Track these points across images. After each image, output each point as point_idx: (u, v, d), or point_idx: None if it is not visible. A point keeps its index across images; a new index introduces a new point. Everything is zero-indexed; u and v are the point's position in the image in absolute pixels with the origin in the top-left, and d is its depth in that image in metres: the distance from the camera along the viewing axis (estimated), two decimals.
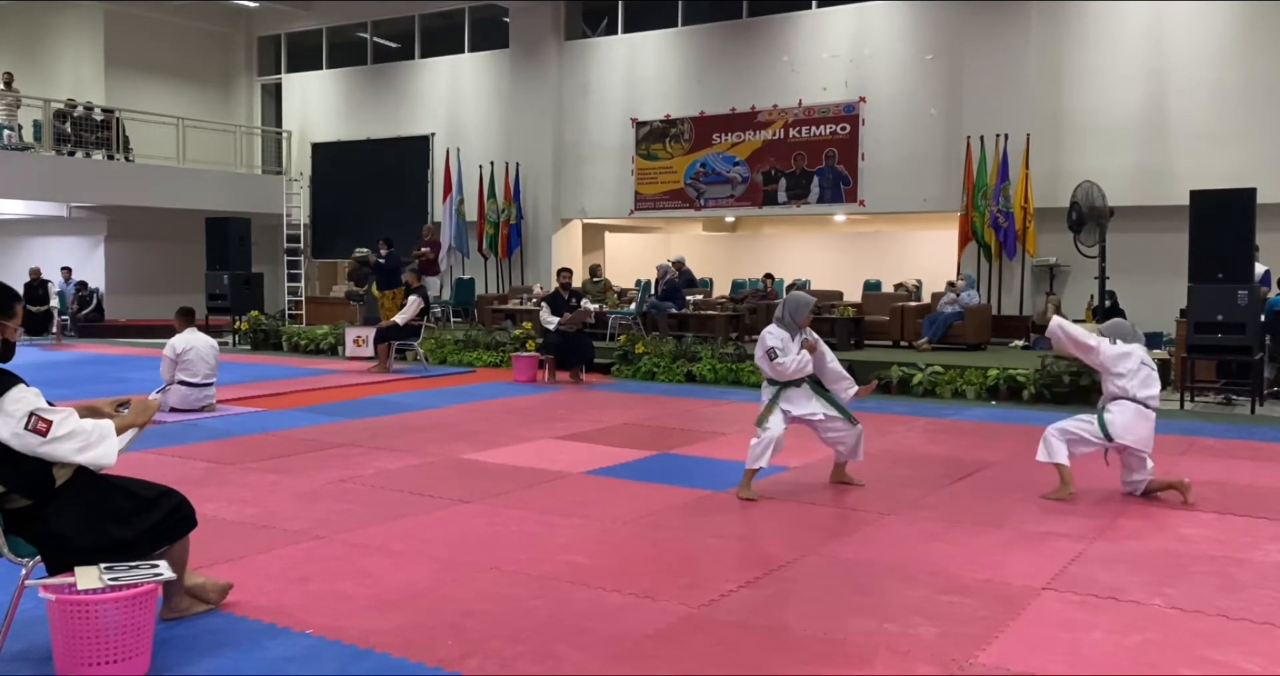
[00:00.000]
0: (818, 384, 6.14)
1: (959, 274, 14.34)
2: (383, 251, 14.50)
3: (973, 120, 14.41)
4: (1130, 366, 5.74)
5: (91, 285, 19.18)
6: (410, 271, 13.17)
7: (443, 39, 19.89)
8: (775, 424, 5.93)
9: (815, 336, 6.12)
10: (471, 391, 10.82)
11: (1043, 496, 5.82)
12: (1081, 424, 5.85)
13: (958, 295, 13.02)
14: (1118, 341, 5.84)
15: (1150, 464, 5.84)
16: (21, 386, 3.30)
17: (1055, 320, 5.95)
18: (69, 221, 19.99)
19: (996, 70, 14.32)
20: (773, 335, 6.01)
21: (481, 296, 17.78)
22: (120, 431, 3.49)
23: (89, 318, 18.54)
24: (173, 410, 8.82)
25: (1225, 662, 3.45)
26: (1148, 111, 13.71)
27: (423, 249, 15.60)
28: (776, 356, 5.92)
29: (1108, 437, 5.71)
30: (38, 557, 3.40)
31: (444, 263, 17.50)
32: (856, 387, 6.14)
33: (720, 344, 12.47)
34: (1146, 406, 5.74)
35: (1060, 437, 5.84)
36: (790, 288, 16.57)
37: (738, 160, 16.65)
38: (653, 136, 17.44)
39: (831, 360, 6.14)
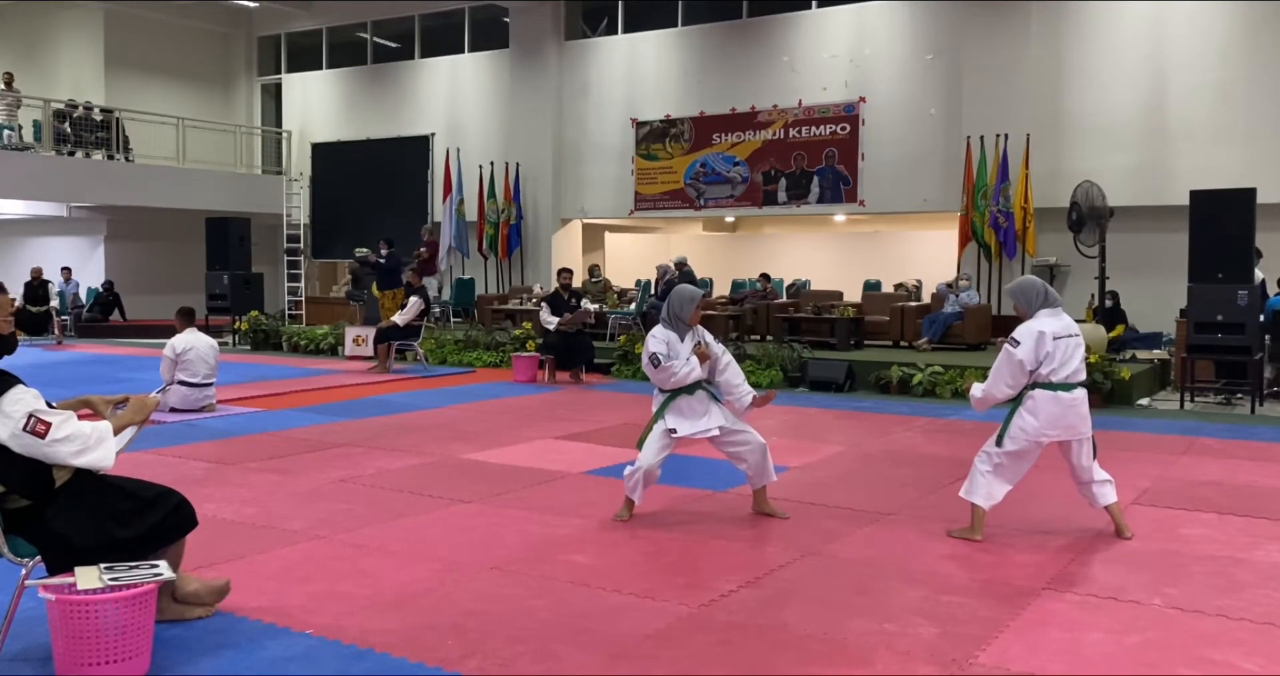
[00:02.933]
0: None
1: (959, 273, 14.33)
2: (383, 251, 14.50)
3: (973, 120, 14.41)
4: (1047, 349, 4.79)
5: (96, 286, 19.24)
6: (411, 271, 13.17)
7: (443, 39, 19.88)
8: (649, 452, 5.20)
9: (709, 339, 5.34)
10: (471, 391, 10.82)
11: (950, 532, 5.05)
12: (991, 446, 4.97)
13: (957, 295, 13.01)
14: (1036, 314, 4.88)
15: (1094, 451, 5.00)
16: (20, 387, 3.29)
17: (972, 393, 5.06)
18: (69, 221, 19.99)
19: (996, 70, 14.32)
20: (656, 339, 5.25)
21: (481, 296, 17.77)
22: (118, 431, 3.49)
23: (90, 318, 18.56)
24: (173, 410, 8.82)
25: (1225, 662, 3.45)
26: (1148, 111, 13.70)
27: (420, 249, 15.60)
28: (660, 362, 5.16)
29: (1006, 440, 4.86)
30: (38, 557, 3.40)
31: (443, 263, 17.51)
32: (754, 394, 5.33)
33: None
34: (1067, 388, 4.84)
35: (988, 465, 4.97)
36: (790, 288, 16.61)
37: (738, 160, 16.65)
38: (653, 136, 17.43)
39: (727, 368, 5.32)
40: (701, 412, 5.26)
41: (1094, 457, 5.01)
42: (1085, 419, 4.92)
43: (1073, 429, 4.88)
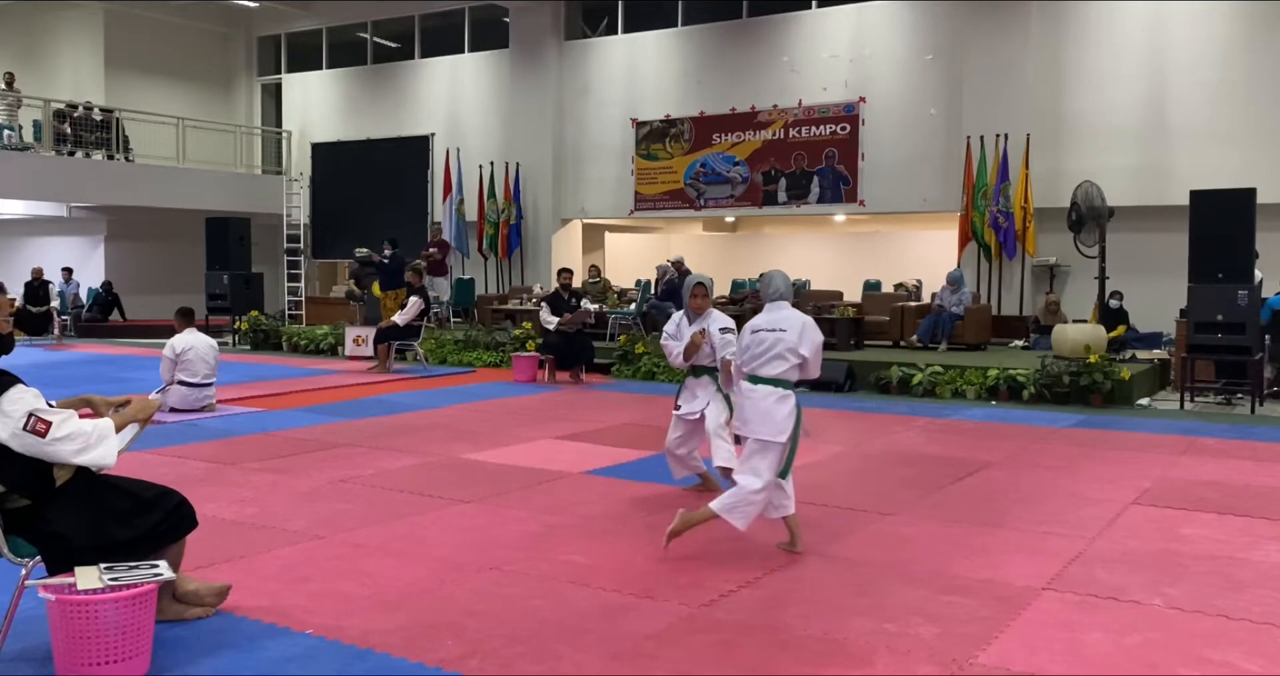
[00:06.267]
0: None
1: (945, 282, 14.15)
2: (386, 251, 14.49)
3: (973, 120, 14.41)
4: (745, 341, 4.73)
5: (96, 286, 19.23)
6: (413, 271, 13.16)
7: (443, 39, 19.89)
8: (669, 433, 5.67)
9: (714, 329, 5.47)
10: (471, 391, 10.82)
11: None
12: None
13: (946, 309, 12.82)
14: (765, 307, 4.81)
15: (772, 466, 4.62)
16: (20, 387, 3.29)
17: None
18: (69, 221, 19.99)
19: (996, 70, 14.32)
20: (672, 319, 5.78)
21: (481, 296, 17.78)
22: (119, 427, 3.48)
23: (90, 318, 18.56)
24: (173, 410, 8.81)
25: (1225, 662, 3.45)
26: (1148, 111, 13.70)
27: (431, 249, 15.55)
28: (664, 338, 5.69)
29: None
30: (38, 557, 3.40)
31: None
32: (728, 359, 5.35)
33: None
34: (753, 380, 4.67)
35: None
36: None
37: (738, 160, 16.65)
38: (653, 136, 17.43)
39: (723, 351, 5.43)
40: (698, 397, 5.55)
41: (784, 476, 4.65)
42: (762, 419, 4.54)
43: (748, 425, 4.60)
